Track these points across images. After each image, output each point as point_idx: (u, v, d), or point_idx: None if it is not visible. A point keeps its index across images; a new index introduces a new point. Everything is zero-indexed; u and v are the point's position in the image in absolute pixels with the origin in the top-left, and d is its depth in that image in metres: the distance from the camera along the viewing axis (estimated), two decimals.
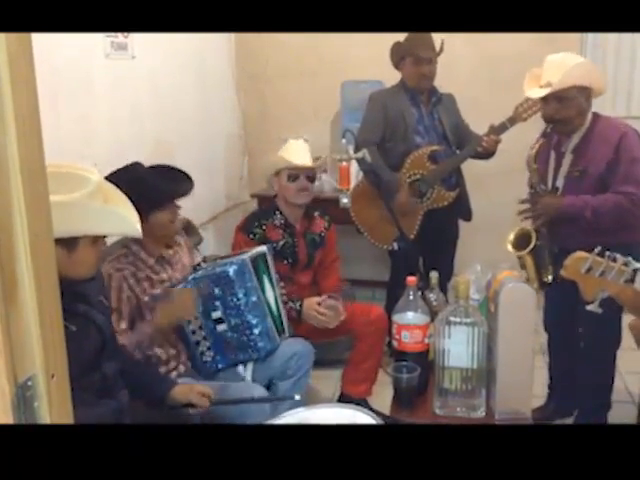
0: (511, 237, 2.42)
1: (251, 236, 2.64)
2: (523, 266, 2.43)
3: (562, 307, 2.57)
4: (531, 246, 2.36)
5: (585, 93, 2.28)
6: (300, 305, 2.56)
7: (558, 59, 2.30)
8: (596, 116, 2.35)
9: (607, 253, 1.52)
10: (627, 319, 1.76)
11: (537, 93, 2.31)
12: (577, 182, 2.34)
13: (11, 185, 0.70)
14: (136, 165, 2.13)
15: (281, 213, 2.71)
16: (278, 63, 4.10)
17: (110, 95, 2.69)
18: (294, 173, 2.65)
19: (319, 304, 2.57)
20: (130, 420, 1.73)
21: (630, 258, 1.52)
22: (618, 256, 1.52)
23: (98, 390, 1.64)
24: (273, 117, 4.18)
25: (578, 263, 1.54)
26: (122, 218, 1.53)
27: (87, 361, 1.60)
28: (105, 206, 1.53)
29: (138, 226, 1.56)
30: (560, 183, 2.40)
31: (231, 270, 2.13)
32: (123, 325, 2.02)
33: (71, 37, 2.38)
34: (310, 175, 2.68)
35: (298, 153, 2.70)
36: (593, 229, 2.28)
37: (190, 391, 1.88)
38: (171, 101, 3.24)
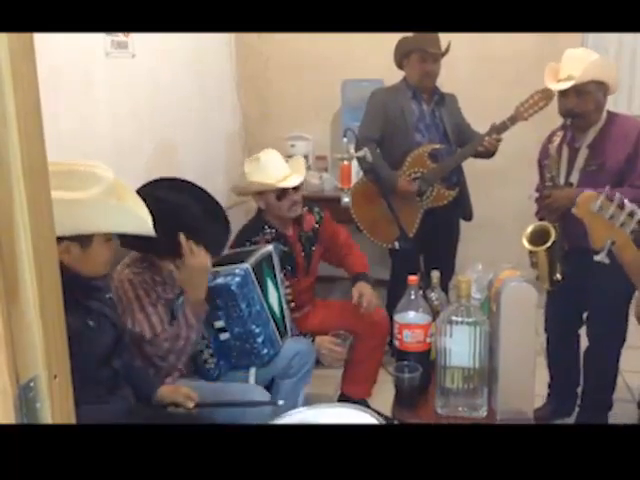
0: (528, 232, 2.35)
1: None
2: (534, 264, 2.38)
3: (565, 307, 2.56)
4: (550, 242, 2.30)
5: (602, 89, 2.31)
6: (312, 341, 2.52)
7: (578, 53, 2.34)
8: (611, 114, 2.38)
9: (617, 195, 1.52)
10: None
11: (560, 86, 2.32)
12: (593, 177, 2.33)
13: (13, 184, 0.70)
14: (196, 207, 2.02)
15: (270, 226, 2.63)
16: (278, 62, 4.09)
17: (110, 93, 2.69)
18: (280, 192, 2.55)
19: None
20: (138, 415, 1.74)
21: (636, 207, 1.52)
22: (627, 202, 1.52)
23: (109, 386, 1.67)
24: (273, 116, 4.17)
25: (589, 201, 1.55)
26: (136, 216, 1.57)
27: (101, 356, 1.62)
28: (120, 204, 1.55)
29: (150, 224, 1.58)
30: (574, 178, 2.39)
31: (233, 283, 2.08)
32: (159, 328, 1.99)
33: (71, 36, 2.37)
34: (296, 186, 2.57)
35: (278, 171, 2.56)
36: None
37: (175, 392, 1.87)
38: (171, 100, 3.23)
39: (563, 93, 2.33)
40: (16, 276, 0.70)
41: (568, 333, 2.66)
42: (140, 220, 1.57)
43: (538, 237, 2.35)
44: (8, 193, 0.69)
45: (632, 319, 2.05)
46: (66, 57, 2.37)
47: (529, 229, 2.37)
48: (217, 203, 2.12)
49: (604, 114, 2.36)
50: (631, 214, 1.52)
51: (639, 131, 2.30)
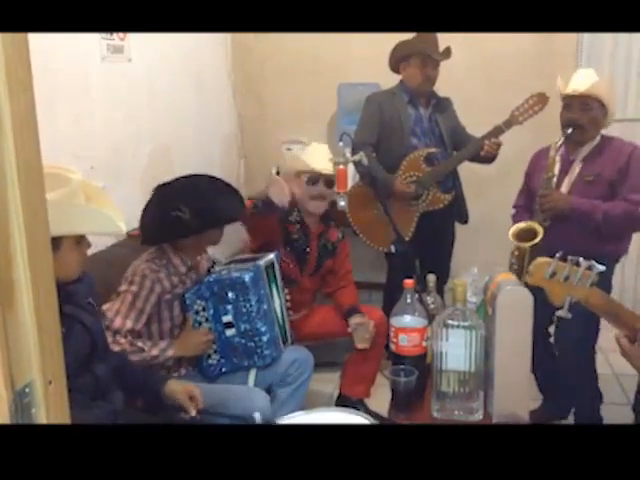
0: (516, 229, 2.45)
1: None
2: (511, 265, 2.45)
3: (538, 312, 2.57)
4: (537, 239, 2.37)
5: (603, 110, 2.46)
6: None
7: (587, 72, 2.53)
8: (605, 136, 2.54)
9: (569, 257, 1.53)
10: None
11: (568, 93, 2.48)
12: (586, 189, 2.45)
13: (8, 189, 0.70)
14: (204, 179, 2.17)
15: (299, 212, 2.69)
16: (275, 65, 4.10)
17: (106, 98, 2.68)
18: (314, 177, 2.64)
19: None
20: (125, 422, 1.72)
21: (593, 262, 1.53)
22: (581, 260, 1.53)
23: (91, 392, 1.64)
24: (270, 119, 4.17)
25: (542, 268, 1.54)
26: (105, 217, 1.53)
27: (77, 363, 1.59)
28: (87, 205, 1.53)
29: (122, 224, 1.56)
30: (565, 190, 2.50)
31: (247, 276, 2.14)
32: (139, 325, 2.04)
33: (67, 40, 2.37)
34: (329, 181, 2.63)
35: (319, 158, 2.67)
36: (598, 235, 2.39)
37: (181, 391, 1.89)
38: (168, 103, 3.23)
39: (567, 105, 2.50)
40: (11, 281, 0.70)
41: (545, 338, 2.67)
42: (108, 221, 1.54)
43: (525, 235, 2.43)
44: (3, 200, 0.69)
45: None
46: (62, 62, 2.37)
47: (518, 226, 2.46)
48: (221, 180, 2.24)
49: (599, 136, 2.51)
50: (589, 268, 1.52)
51: (632, 149, 2.46)
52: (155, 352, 2.03)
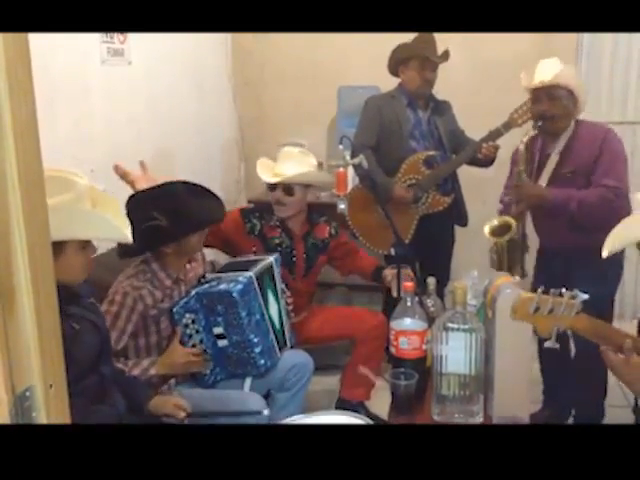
0: (490, 226, 2.48)
1: (247, 223, 2.62)
2: (493, 262, 2.47)
3: None
4: (510, 234, 2.40)
5: (572, 98, 2.44)
6: None
7: (550, 61, 2.50)
8: (579, 121, 2.52)
9: (552, 290, 1.53)
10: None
11: (535, 85, 2.47)
12: (565, 183, 2.44)
13: (9, 194, 0.70)
14: (178, 185, 2.06)
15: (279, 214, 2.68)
16: (275, 68, 4.10)
17: (107, 101, 2.69)
18: (268, 185, 2.63)
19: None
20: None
21: (577, 291, 1.54)
22: (564, 291, 1.54)
23: (97, 392, 1.65)
24: (270, 122, 4.18)
25: (525, 305, 1.55)
26: (110, 223, 1.52)
27: (88, 360, 1.60)
28: (92, 210, 1.52)
29: (127, 231, 1.54)
30: (543, 181, 2.50)
31: (235, 290, 2.07)
32: (120, 345, 2.01)
33: (67, 43, 2.37)
34: (289, 188, 2.60)
35: (279, 167, 2.65)
36: (576, 226, 2.38)
37: (165, 403, 1.87)
38: (168, 106, 3.23)
39: (536, 98, 2.49)
40: (12, 286, 0.70)
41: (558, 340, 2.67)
42: (113, 227, 1.51)
43: (501, 231, 2.46)
44: (4, 204, 0.69)
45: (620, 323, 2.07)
46: (62, 65, 2.37)
47: (492, 223, 2.49)
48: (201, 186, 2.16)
49: (572, 123, 2.49)
50: (573, 297, 1.53)
51: (604, 133, 2.45)
52: (136, 372, 1.98)
